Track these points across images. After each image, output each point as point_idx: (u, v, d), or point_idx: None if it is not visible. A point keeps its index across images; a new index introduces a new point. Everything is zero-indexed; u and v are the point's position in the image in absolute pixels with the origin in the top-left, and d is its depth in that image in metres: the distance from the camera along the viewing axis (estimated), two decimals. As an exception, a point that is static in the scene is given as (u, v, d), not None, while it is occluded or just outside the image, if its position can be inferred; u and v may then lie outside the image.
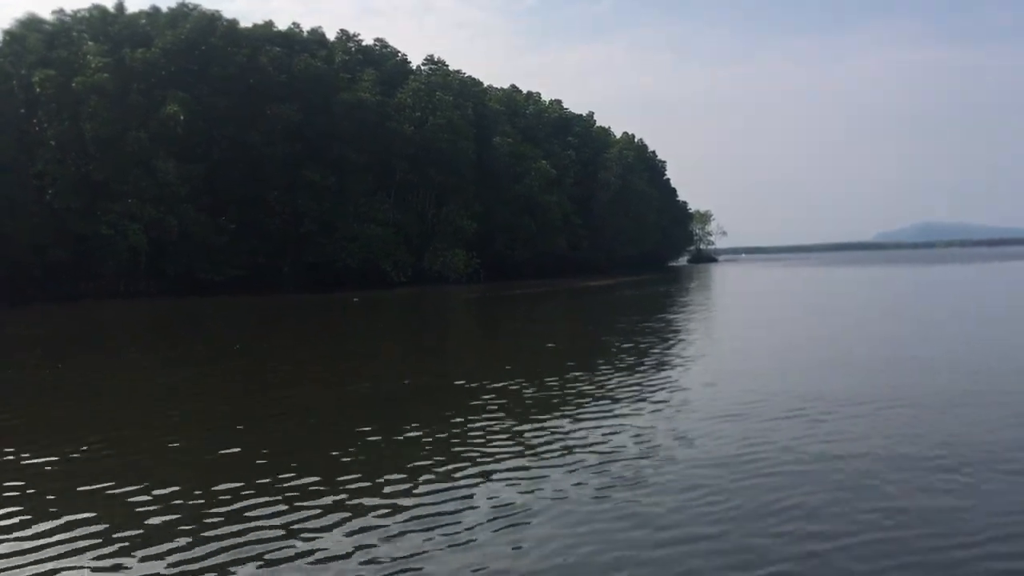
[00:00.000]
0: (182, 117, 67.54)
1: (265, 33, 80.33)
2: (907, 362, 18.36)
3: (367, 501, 8.52)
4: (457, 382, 17.09)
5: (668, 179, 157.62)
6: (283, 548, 7.25)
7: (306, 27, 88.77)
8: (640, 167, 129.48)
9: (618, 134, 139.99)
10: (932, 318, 30.39)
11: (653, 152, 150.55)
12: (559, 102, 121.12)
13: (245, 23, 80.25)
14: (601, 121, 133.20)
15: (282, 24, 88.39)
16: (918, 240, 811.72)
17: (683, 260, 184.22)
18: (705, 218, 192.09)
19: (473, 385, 16.18)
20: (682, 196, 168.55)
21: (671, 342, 23.44)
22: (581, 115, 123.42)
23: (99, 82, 65.81)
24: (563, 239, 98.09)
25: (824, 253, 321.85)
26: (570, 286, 67.06)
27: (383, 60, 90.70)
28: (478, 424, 12.23)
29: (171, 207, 66.83)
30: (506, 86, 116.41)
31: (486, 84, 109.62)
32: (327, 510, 8.26)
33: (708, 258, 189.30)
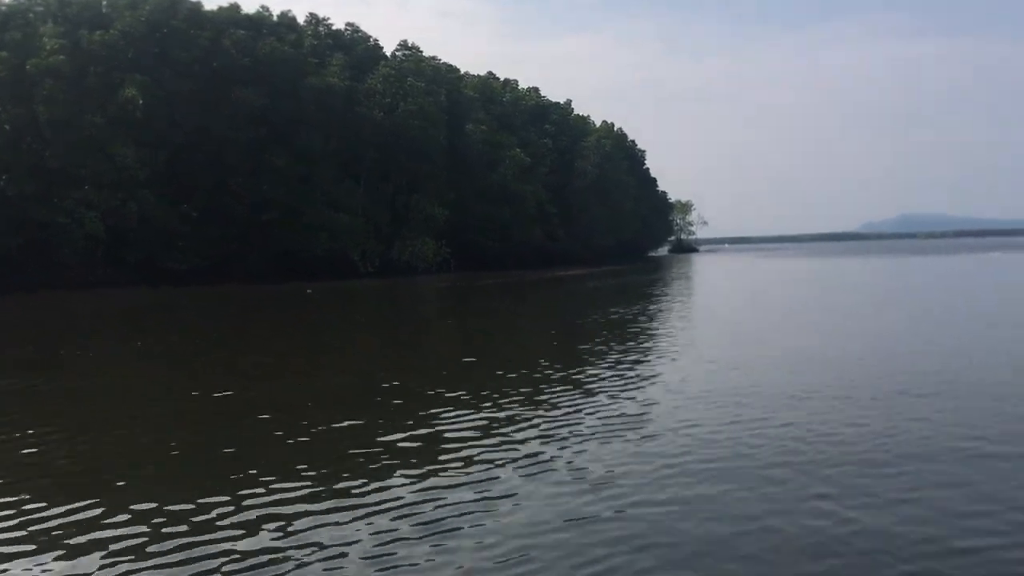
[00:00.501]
0: (140, 101, 65.44)
1: (231, 16, 78.13)
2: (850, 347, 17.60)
3: (327, 495, 8.64)
4: (388, 384, 15.78)
5: (647, 168, 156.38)
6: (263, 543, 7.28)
7: (277, 11, 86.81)
8: (619, 156, 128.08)
9: (603, 124, 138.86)
10: (894, 305, 29.53)
11: (633, 141, 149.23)
12: (536, 90, 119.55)
13: (210, 5, 78.14)
14: (587, 111, 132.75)
15: (251, 7, 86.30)
16: (900, 231, 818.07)
17: (664, 250, 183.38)
18: (686, 208, 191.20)
19: (393, 385, 14.88)
20: (668, 186, 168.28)
21: (611, 336, 22.16)
22: (559, 103, 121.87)
23: (55, 65, 63.68)
24: (539, 229, 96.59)
25: (809, 244, 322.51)
26: (539, 277, 65.65)
27: (354, 45, 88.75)
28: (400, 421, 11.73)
29: (130, 193, 64.86)
30: (488, 75, 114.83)
31: (463, 72, 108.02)
32: (302, 501, 8.43)
33: (689, 248, 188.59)
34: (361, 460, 10.05)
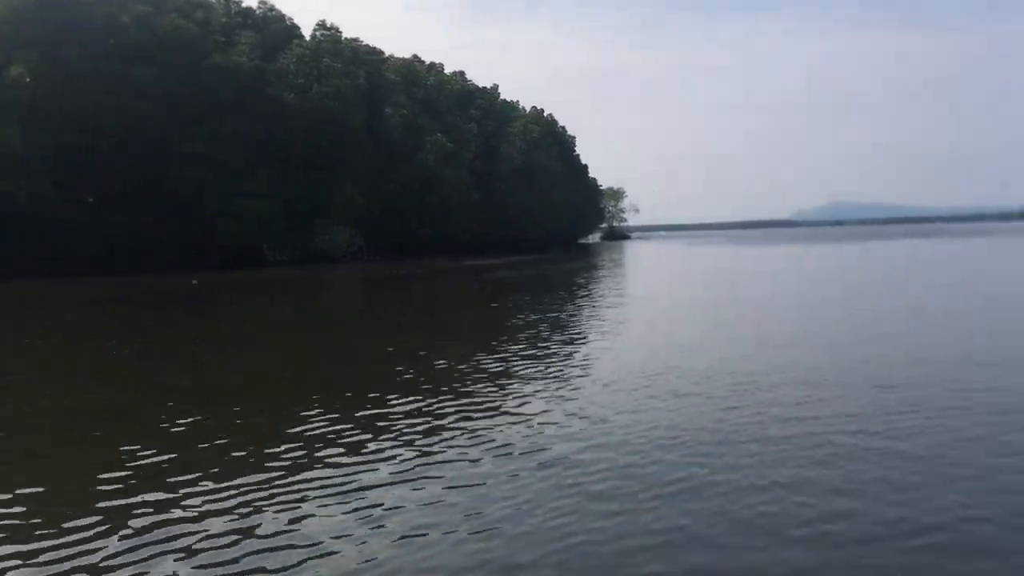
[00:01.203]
0: (28, 79, 61.34)
1: (131, -10, 73.92)
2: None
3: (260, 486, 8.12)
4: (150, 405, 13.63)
5: (578, 155, 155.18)
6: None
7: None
8: (547, 142, 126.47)
9: (532, 109, 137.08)
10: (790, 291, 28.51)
11: (563, 128, 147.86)
12: (462, 74, 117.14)
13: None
14: (524, 99, 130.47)
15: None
16: (830, 218, 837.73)
17: (595, 237, 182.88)
18: (618, 195, 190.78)
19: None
20: (605, 174, 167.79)
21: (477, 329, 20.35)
22: (485, 88, 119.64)
23: (-69, 40, 59.33)
24: (464, 217, 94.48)
25: (739, 231, 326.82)
26: (454, 266, 63.43)
27: (266, 24, 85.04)
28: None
29: (19, 180, 60.78)
30: (413, 58, 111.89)
31: (388, 55, 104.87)
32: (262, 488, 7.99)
33: (621, 235, 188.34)
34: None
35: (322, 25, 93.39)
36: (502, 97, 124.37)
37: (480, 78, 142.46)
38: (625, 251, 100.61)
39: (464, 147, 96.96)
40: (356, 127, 79.39)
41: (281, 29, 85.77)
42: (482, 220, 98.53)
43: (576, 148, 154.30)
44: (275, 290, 45.24)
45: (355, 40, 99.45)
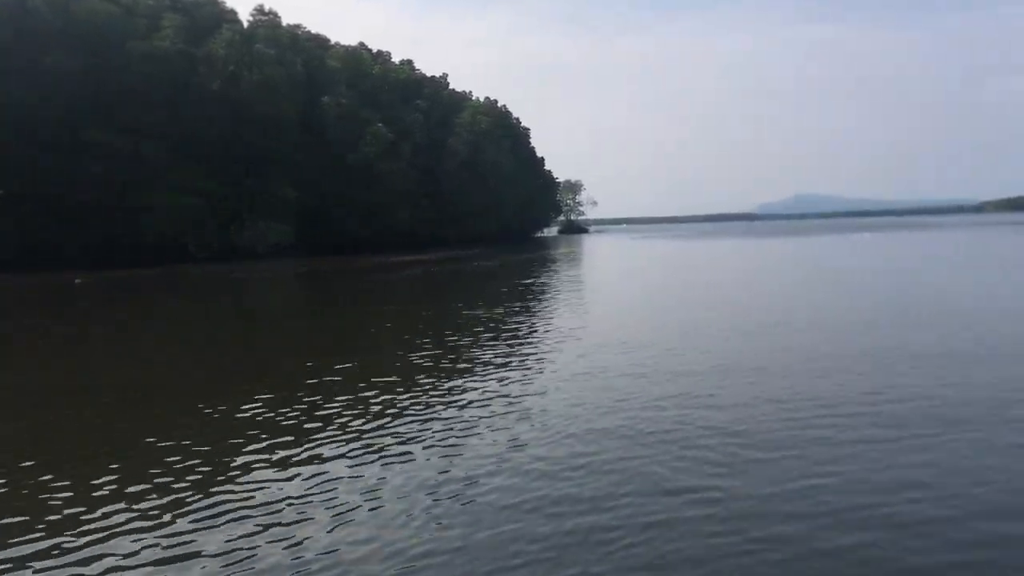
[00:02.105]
0: (-77, 64, 57.39)
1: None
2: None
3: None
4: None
5: (533, 147, 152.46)
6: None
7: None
8: (498, 134, 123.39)
9: (484, 100, 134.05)
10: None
11: (517, 119, 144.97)
12: (410, 62, 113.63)
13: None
14: (484, 91, 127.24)
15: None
16: (794, 212, 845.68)
17: (552, 231, 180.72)
18: (575, 188, 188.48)
19: None
20: (565, 167, 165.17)
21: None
22: (434, 77, 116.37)
23: None
24: (406, 211, 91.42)
25: (701, 224, 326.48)
26: (381, 262, 60.24)
27: (198, 7, 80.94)
28: None
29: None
30: (359, 46, 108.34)
31: (335, 43, 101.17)
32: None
33: (579, 229, 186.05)
34: None
35: (259, 10, 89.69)
36: (452, 87, 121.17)
37: (436, 69, 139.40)
38: (574, 245, 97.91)
39: (407, 139, 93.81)
40: (290, 117, 76.05)
41: (212, 13, 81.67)
42: (426, 215, 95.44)
43: (532, 140, 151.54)
44: (162, 289, 41.92)
45: (297, 27, 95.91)
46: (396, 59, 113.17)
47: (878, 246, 64.80)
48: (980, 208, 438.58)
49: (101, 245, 64.15)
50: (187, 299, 35.87)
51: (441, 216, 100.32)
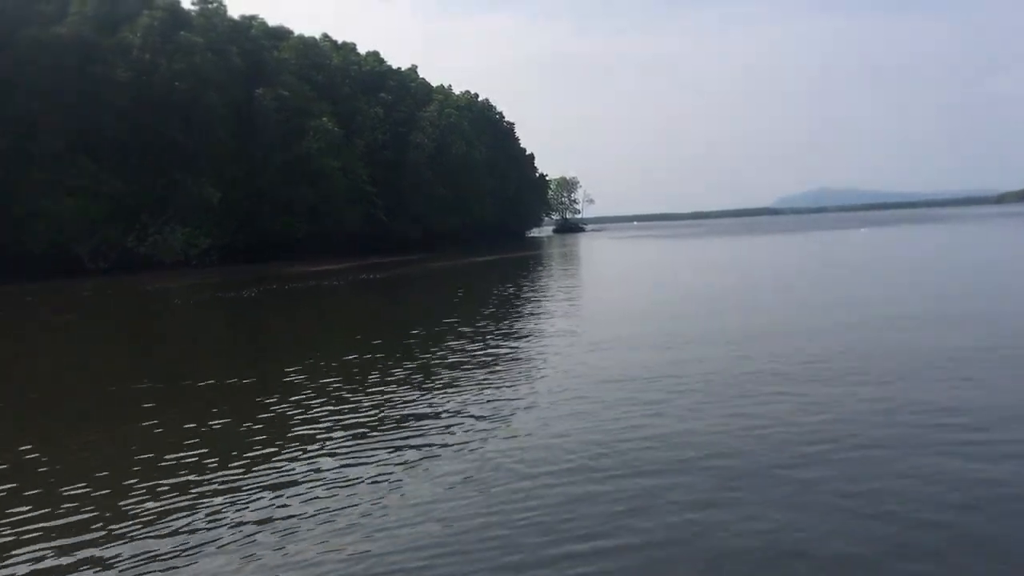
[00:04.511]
0: None
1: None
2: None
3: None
4: None
5: (519, 141, 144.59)
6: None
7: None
8: (474, 129, 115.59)
9: (464, 93, 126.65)
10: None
11: (500, 114, 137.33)
12: (376, 53, 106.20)
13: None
14: (482, 90, 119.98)
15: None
16: (814, 205, 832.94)
17: (547, 230, 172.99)
18: (571, 185, 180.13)
19: None
20: (572, 165, 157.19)
21: None
22: (399, 69, 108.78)
23: None
24: (357, 211, 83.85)
25: (717, 221, 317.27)
26: (298, 272, 52.45)
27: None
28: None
29: None
30: (323, 37, 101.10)
31: (297, 33, 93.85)
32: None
33: (575, 228, 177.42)
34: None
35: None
36: (423, 78, 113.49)
37: (442, 67, 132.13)
38: (553, 247, 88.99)
39: (362, 134, 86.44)
40: (215, 111, 68.84)
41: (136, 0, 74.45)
42: (379, 215, 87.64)
43: (518, 135, 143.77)
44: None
45: (252, 17, 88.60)
46: (407, 62, 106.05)
47: (869, 244, 56.94)
48: (1000, 199, 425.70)
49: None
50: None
51: (402, 215, 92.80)
